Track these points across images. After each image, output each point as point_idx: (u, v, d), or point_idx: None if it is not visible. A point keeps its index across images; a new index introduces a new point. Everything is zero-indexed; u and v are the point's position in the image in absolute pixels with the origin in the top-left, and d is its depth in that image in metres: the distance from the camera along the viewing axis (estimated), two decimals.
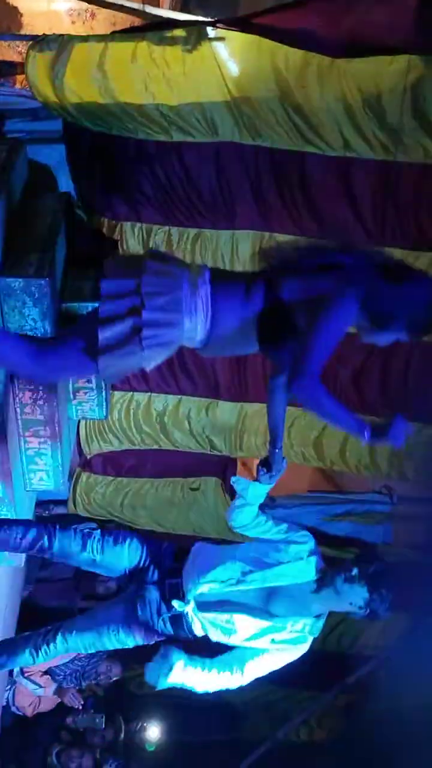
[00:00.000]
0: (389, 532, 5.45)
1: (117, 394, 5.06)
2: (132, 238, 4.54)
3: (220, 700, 6.70)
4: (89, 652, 3.56)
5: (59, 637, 3.40)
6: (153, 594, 3.18)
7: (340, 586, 2.92)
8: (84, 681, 5.57)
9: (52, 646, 3.41)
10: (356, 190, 4.12)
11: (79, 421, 5.04)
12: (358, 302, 2.39)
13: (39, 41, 3.92)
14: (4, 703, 5.18)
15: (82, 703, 5.56)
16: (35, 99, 4.14)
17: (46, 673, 5.41)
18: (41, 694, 5.40)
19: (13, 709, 5.32)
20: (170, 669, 3.03)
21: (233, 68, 3.80)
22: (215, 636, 3.21)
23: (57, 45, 3.90)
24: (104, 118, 4.08)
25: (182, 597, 3.16)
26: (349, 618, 3.26)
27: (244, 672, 3.12)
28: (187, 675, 3.08)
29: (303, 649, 3.20)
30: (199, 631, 3.25)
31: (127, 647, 3.41)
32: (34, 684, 5.33)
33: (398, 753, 4.86)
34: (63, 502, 5.61)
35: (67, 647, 3.41)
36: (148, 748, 6.46)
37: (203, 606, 3.14)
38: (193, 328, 2.49)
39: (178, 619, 3.20)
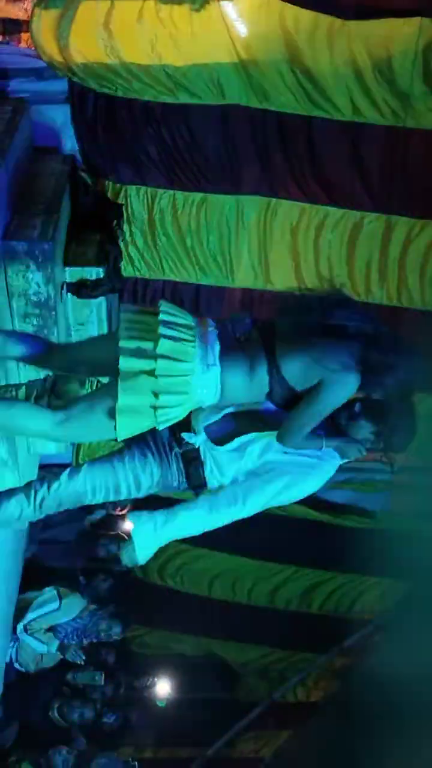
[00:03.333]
0: (388, 499, 5.50)
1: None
2: (137, 201, 4.51)
3: (218, 661, 6.89)
4: (96, 498, 2.94)
5: (64, 476, 2.88)
6: (165, 431, 2.83)
7: (345, 424, 2.77)
8: (85, 638, 5.68)
9: (54, 485, 2.87)
10: (364, 156, 4.08)
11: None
12: (355, 387, 2.52)
13: None
14: (8, 660, 5.30)
15: (84, 658, 5.67)
16: (40, 58, 4.07)
17: (48, 630, 5.52)
18: (43, 651, 5.51)
19: (16, 665, 5.43)
20: (148, 530, 2.76)
21: (242, 29, 3.73)
22: (215, 474, 2.88)
23: (63, 2, 3.84)
24: (110, 79, 4.02)
25: (194, 431, 2.89)
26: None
27: (246, 499, 2.80)
28: (172, 528, 2.80)
29: (314, 480, 2.86)
30: (209, 471, 2.90)
31: (141, 487, 2.94)
32: (37, 641, 5.44)
33: (393, 713, 4.97)
34: (66, 466, 5.65)
35: (74, 485, 2.86)
36: (159, 704, 6.62)
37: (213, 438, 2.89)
38: (204, 399, 2.60)
39: (191, 457, 2.88)
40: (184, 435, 2.82)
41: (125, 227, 4.52)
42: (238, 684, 7.18)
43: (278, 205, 4.39)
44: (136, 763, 5.59)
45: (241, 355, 2.57)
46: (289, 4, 3.59)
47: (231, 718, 6.23)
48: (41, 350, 2.85)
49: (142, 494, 2.94)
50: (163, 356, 2.48)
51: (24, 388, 3.07)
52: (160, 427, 2.55)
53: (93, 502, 2.94)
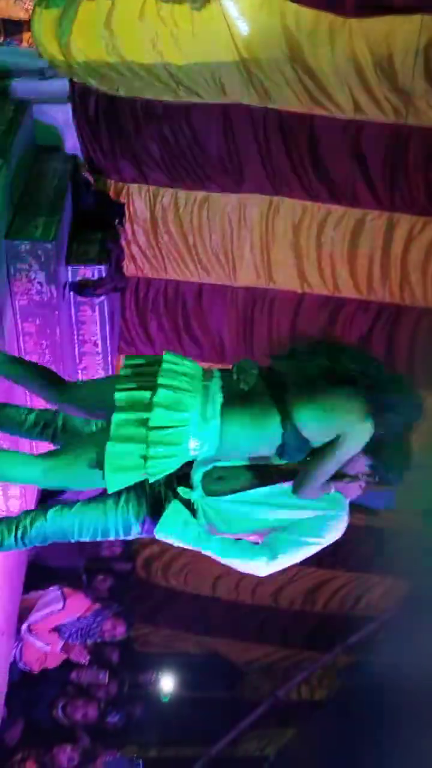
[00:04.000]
0: (392, 498, 5.48)
1: (123, 358, 5.07)
2: (139, 200, 4.51)
3: (222, 660, 6.89)
4: (83, 537, 2.90)
5: (51, 513, 2.82)
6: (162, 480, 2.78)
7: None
8: (89, 638, 5.68)
9: (38, 523, 2.82)
10: (366, 153, 4.08)
11: None
12: (371, 433, 2.49)
13: None
14: (12, 660, 5.30)
15: (88, 658, 5.67)
16: (41, 57, 4.08)
17: (53, 630, 5.52)
18: (47, 651, 5.51)
19: (21, 665, 5.44)
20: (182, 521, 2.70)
21: (243, 27, 3.73)
22: (222, 526, 2.82)
23: (64, 2, 3.84)
24: (111, 78, 4.03)
25: (191, 486, 2.80)
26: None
27: (274, 557, 2.75)
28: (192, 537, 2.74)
29: (338, 531, 2.83)
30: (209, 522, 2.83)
31: (130, 534, 2.91)
32: (42, 641, 5.44)
33: (397, 712, 4.97)
34: None
35: (60, 524, 2.82)
36: (162, 700, 6.62)
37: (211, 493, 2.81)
38: (199, 452, 2.55)
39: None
40: (180, 489, 2.74)
41: (127, 226, 4.53)
42: (242, 682, 7.18)
43: (280, 203, 4.39)
44: (141, 761, 5.59)
45: (247, 408, 2.51)
46: (289, 2, 3.58)
47: (235, 716, 6.22)
48: (50, 385, 2.82)
49: (131, 538, 2.91)
50: (159, 405, 2.43)
51: (35, 414, 3.01)
52: (152, 479, 2.50)
53: (79, 540, 2.88)
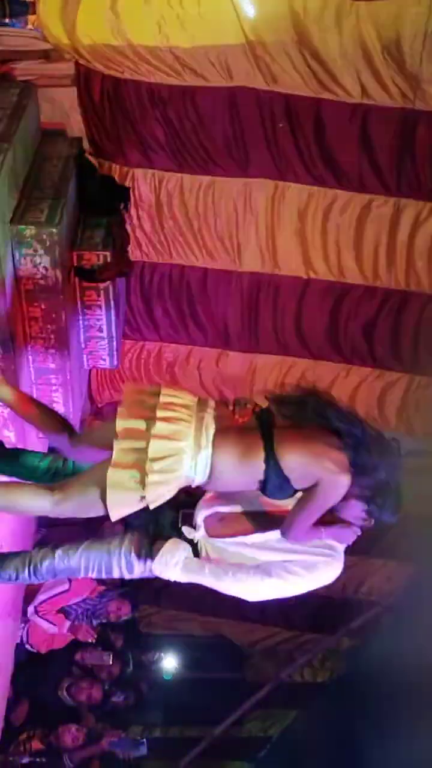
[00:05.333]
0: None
1: (128, 343, 5.09)
2: (144, 185, 4.49)
3: (226, 641, 6.95)
4: (89, 574, 3.20)
5: (59, 553, 3.11)
6: (166, 520, 3.05)
7: (338, 506, 2.94)
8: (94, 619, 5.73)
9: (47, 562, 3.12)
10: (372, 138, 4.04)
11: (90, 370, 5.08)
12: (347, 487, 2.62)
13: None
14: (19, 641, 5.36)
15: (95, 637, 5.72)
16: (47, 40, 4.05)
17: (59, 612, 5.58)
18: (54, 632, 5.57)
19: (27, 646, 5.49)
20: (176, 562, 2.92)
21: (249, 10, 3.70)
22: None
23: None
24: (116, 61, 4.00)
25: (194, 526, 3.11)
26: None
27: (268, 576, 2.91)
28: (192, 576, 2.96)
29: (328, 573, 2.99)
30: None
31: (133, 572, 3.16)
32: (48, 622, 5.49)
33: (399, 694, 5.02)
34: None
35: (68, 563, 3.11)
36: (165, 678, 6.69)
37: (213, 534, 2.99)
38: (193, 479, 2.67)
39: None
40: (184, 529, 2.95)
41: (132, 211, 4.52)
42: (246, 664, 7.25)
43: (286, 188, 4.37)
44: (145, 740, 5.67)
45: (237, 440, 2.64)
46: None
47: (239, 697, 6.28)
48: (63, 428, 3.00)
49: (135, 577, 3.13)
50: (156, 437, 2.56)
51: (47, 461, 3.25)
52: (152, 506, 2.63)
53: (85, 576, 3.20)
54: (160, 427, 2.58)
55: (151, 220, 4.57)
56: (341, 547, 2.89)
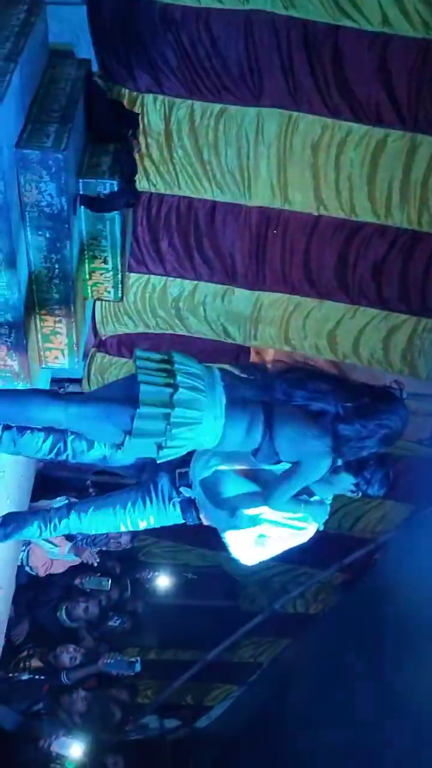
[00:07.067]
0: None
1: (133, 276, 5.02)
2: (153, 111, 4.36)
3: (221, 571, 7.11)
4: (100, 532, 3.77)
5: (73, 514, 3.54)
6: (164, 480, 3.40)
7: (329, 477, 3.12)
8: (94, 547, 5.86)
9: (63, 521, 3.56)
10: (391, 69, 3.89)
11: (94, 302, 5.04)
12: (327, 467, 2.96)
13: None
14: (19, 563, 5.49)
15: (98, 560, 5.85)
16: None
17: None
18: (56, 555, 5.69)
19: (27, 569, 5.63)
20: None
21: None
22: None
23: None
24: None
25: (191, 485, 3.32)
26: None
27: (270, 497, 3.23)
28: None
29: (304, 535, 3.36)
30: (204, 519, 3.41)
31: (138, 528, 3.60)
32: (51, 544, 5.61)
33: (391, 629, 5.15)
34: (78, 381, 5.70)
35: (79, 525, 3.55)
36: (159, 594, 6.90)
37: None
38: (204, 445, 3.01)
39: (188, 506, 3.42)
40: (183, 489, 3.36)
41: (141, 139, 4.40)
42: (241, 594, 7.44)
43: (300, 119, 4.23)
44: (139, 659, 5.85)
45: (244, 412, 2.93)
46: None
47: (232, 625, 6.47)
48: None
49: (139, 530, 3.70)
50: (180, 404, 2.82)
51: (49, 442, 3.46)
52: (159, 461, 2.98)
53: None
54: (183, 395, 2.82)
55: (159, 149, 4.45)
56: (315, 522, 3.28)
